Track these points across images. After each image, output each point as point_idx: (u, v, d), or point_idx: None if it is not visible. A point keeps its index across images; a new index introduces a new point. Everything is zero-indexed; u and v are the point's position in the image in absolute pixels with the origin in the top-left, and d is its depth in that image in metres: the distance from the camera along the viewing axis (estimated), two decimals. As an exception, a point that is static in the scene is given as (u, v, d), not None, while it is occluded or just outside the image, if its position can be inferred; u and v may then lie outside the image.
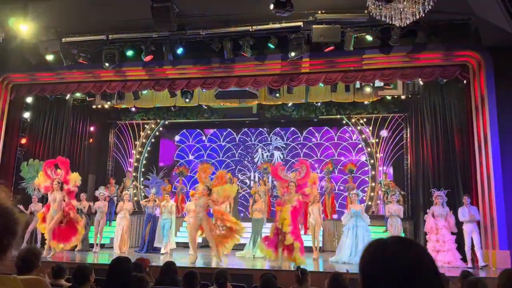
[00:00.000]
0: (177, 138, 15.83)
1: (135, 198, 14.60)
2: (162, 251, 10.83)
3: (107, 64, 9.87)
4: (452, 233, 9.03)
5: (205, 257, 9.66)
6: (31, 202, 11.07)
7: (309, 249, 10.88)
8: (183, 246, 11.58)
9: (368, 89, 11.23)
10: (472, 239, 8.72)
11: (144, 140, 15.59)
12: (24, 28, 8.45)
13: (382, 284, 1.03)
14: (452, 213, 9.05)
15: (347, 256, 9.33)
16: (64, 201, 9.42)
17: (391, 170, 13.78)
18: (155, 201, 11.46)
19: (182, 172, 14.48)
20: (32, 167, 10.55)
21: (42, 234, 10.04)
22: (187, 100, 11.90)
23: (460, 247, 9.01)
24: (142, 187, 14.74)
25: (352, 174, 13.67)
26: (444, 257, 8.75)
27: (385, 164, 13.92)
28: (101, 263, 8.65)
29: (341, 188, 14.06)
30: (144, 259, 5.38)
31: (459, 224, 9.09)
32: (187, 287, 3.86)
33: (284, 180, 8.61)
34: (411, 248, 1.07)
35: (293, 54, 9.19)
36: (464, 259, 8.89)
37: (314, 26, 8.68)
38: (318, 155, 14.78)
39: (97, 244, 11.15)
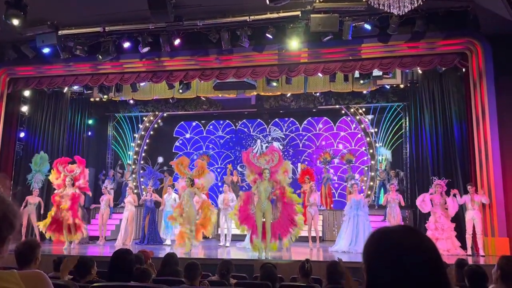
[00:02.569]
0: (175, 130, 15.82)
1: (136, 191, 14.62)
2: (167, 242, 10.91)
3: (100, 57, 9.83)
4: (451, 221, 9.08)
5: (206, 247, 9.71)
6: (30, 194, 11.07)
7: (304, 239, 10.91)
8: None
9: (362, 81, 11.10)
10: (474, 226, 8.77)
11: (143, 133, 15.57)
12: (20, 21, 8.37)
13: (387, 271, 1.04)
14: (452, 200, 9.06)
15: (347, 245, 9.38)
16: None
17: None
18: (153, 192, 11.51)
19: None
20: (43, 159, 10.73)
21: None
22: (180, 91, 11.81)
23: (460, 235, 9.06)
24: (141, 179, 14.74)
25: (351, 164, 13.69)
26: (443, 245, 8.81)
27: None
28: (103, 255, 8.70)
29: (339, 177, 14.09)
30: (146, 251, 5.40)
31: (459, 211, 9.13)
32: (188, 278, 3.88)
33: (257, 167, 8.32)
34: (415, 236, 1.08)
35: (294, 44, 9.11)
36: (463, 246, 8.95)
37: (312, 15, 8.61)
38: (317, 145, 14.79)
39: (102, 237, 11.22)
